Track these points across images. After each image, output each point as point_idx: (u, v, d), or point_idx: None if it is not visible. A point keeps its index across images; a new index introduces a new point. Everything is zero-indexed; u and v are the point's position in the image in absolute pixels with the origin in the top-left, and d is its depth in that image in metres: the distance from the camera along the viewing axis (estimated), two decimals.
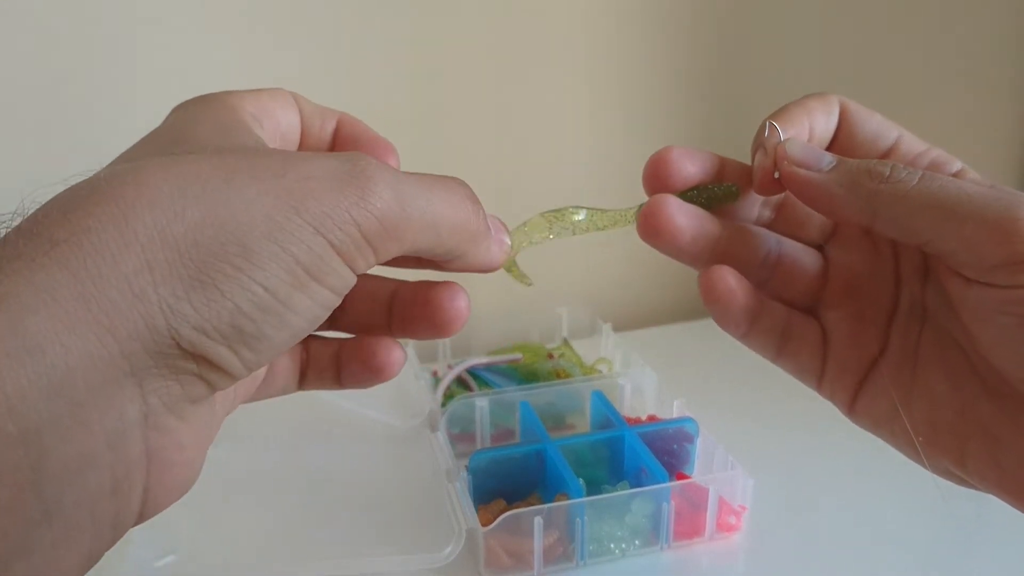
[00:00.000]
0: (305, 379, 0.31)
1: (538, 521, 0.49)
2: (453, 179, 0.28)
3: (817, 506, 0.57)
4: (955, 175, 0.29)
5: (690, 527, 0.53)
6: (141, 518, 0.24)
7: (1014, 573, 0.51)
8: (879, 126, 0.31)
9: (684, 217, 0.30)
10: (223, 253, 0.22)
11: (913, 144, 0.31)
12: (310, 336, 0.30)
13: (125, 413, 0.22)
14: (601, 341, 0.74)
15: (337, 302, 0.25)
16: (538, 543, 0.49)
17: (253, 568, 0.52)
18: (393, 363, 0.30)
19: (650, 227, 0.30)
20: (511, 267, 0.32)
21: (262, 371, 0.30)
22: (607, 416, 0.59)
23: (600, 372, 0.70)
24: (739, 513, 0.54)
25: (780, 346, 0.31)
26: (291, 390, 0.31)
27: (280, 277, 0.23)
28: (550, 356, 0.72)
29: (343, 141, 0.32)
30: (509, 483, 0.54)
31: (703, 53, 0.81)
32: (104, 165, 0.25)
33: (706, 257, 0.31)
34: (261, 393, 0.31)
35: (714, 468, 0.56)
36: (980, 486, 0.28)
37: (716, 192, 0.31)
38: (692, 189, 0.31)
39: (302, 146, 0.31)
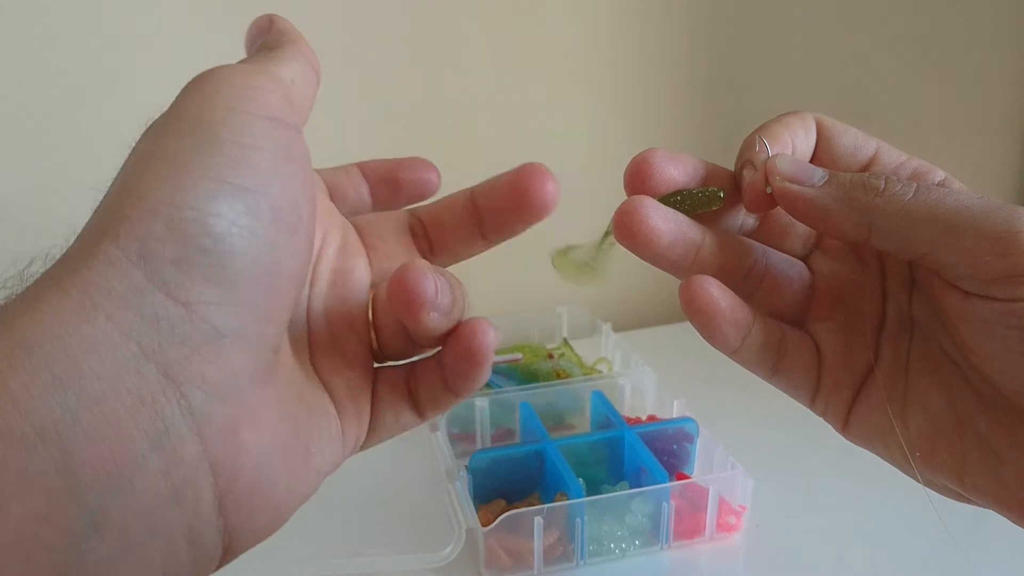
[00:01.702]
0: (418, 401, 0.30)
1: (538, 521, 0.49)
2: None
3: (817, 506, 0.57)
4: (939, 185, 0.29)
5: (690, 527, 0.53)
6: (231, 537, 0.23)
7: (1014, 573, 0.51)
8: (856, 139, 0.31)
9: (661, 220, 0.28)
10: (167, 184, 0.22)
11: (892, 155, 0.30)
12: (409, 368, 0.30)
13: (161, 408, 0.21)
14: (601, 341, 0.74)
15: (298, 170, 0.25)
16: (538, 543, 0.49)
17: (252, 567, 0.51)
18: (488, 339, 0.28)
19: (624, 228, 0.28)
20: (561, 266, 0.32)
21: (365, 409, 0.29)
22: (607, 416, 0.59)
23: (600, 372, 0.70)
24: (739, 513, 0.54)
25: (776, 363, 0.30)
26: (411, 423, 0.30)
27: (233, 155, 0.23)
28: (550, 356, 0.72)
29: (380, 180, 0.34)
30: (509, 483, 0.54)
31: (702, 55, 0.81)
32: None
33: (686, 265, 0.29)
34: (376, 431, 0.30)
35: (714, 468, 0.56)
36: (979, 502, 0.28)
37: (699, 196, 0.30)
38: (674, 194, 0.30)
39: (335, 197, 0.33)
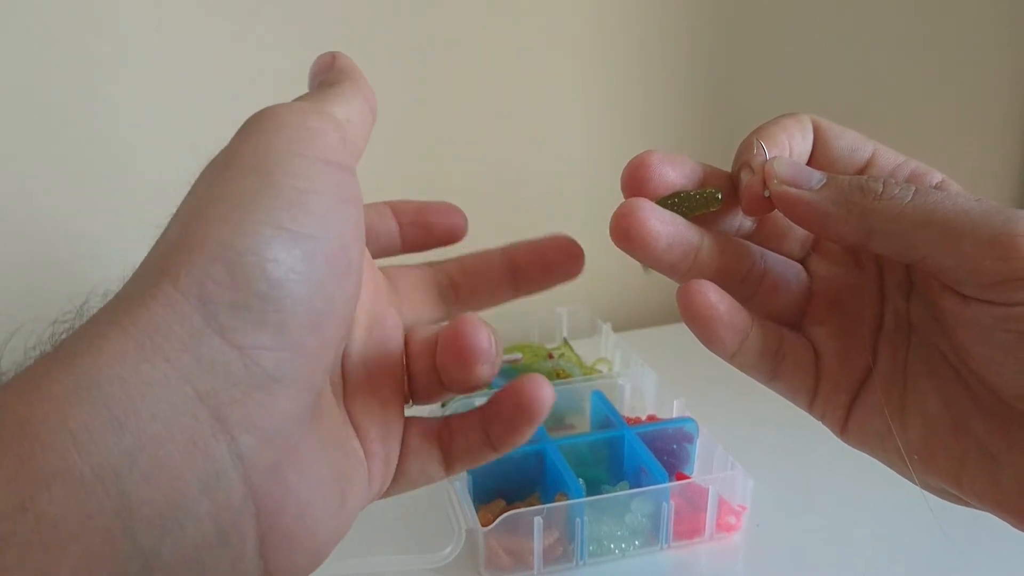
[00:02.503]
0: (451, 454, 0.30)
1: (538, 521, 0.49)
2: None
3: (817, 506, 0.57)
4: (937, 187, 0.29)
5: (690, 527, 0.53)
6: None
7: (1014, 572, 0.51)
8: (853, 141, 0.30)
9: (658, 222, 0.28)
10: (226, 225, 0.23)
11: (890, 157, 0.30)
12: (443, 421, 0.30)
13: (211, 452, 0.21)
14: (601, 341, 0.74)
15: (354, 211, 0.26)
16: (538, 543, 0.49)
17: None
18: (544, 394, 0.28)
19: (621, 231, 0.28)
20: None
21: (394, 455, 0.29)
22: (607, 416, 0.59)
23: (600, 372, 0.70)
24: (739, 513, 0.54)
25: (775, 367, 0.30)
26: (436, 475, 0.30)
27: (291, 200, 0.23)
28: (550, 356, 0.72)
29: (410, 222, 0.34)
30: (509, 483, 0.54)
31: (702, 54, 0.81)
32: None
33: (685, 268, 0.29)
34: (400, 479, 0.30)
35: (714, 468, 0.56)
36: (978, 505, 0.28)
37: (696, 198, 0.29)
38: (671, 196, 0.29)
39: (368, 236, 0.33)
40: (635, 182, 0.29)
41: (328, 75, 0.29)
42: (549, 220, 0.82)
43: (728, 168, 0.31)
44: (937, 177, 0.30)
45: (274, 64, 0.70)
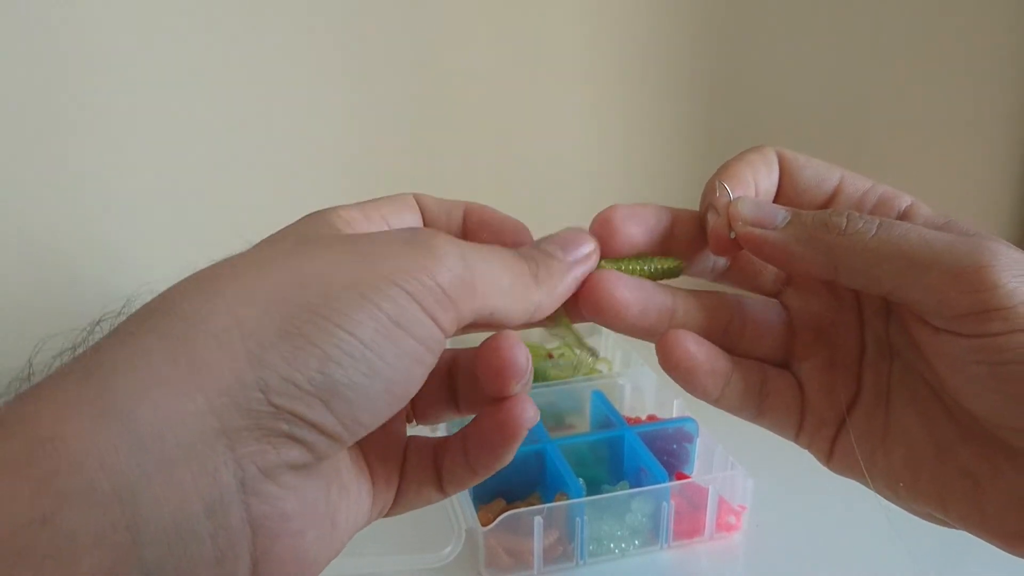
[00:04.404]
0: (441, 476, 0.30)
1: (538, 521, 0.49)
2: (502, 248, 0.28)
3: (817, 506, 0.57)
4: (905, 211, 0.29)
5: (690, 527, 0.53)
6: None
7: (1014, 572, 0.51)
8: (819, 169, 0.30)
9: (627, 290, 0.28)
10: (307, 304, 0.22)
11: (857, 183, 0.30)
12: (439, 441, 0.30)
13: (220, 477, 0.21)
14: (601, 341, 0.74)
15: (428, 358, 0.25)
16: (538, 543, 0.50)
17: None
18: (527, 415, 0.27)
19: (592, 304, 0.28)
20: (562, 324, 0.32)
21: (395, 476, 0.29)
22: (607, 416, 0.59)
23: (600, 372, 0.70)
24: (739, 513, 0.54)
25: (759, 405, 0.30)
26: (433, 497, 0.30)
27: (365, 323, 0.23)
28: (550, 356, 0.72)
29: (473, 229, 0.32)
30: (509, 483, 0.54)
31: (705, 55, 0.81)
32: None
33: (663, 331, 0.29)
34: (400, 500, 0.30)
35: (714, 468, 0.56)
36: (963, 528, 0.28)
37: (658, 267, 0.30)
38: (637, 260, 0.30)
39: (434, 227, 0.32)
40: (602, 239, 0.29)
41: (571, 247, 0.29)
42: (549, 219, 0.82)
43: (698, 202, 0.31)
44: (906, 201, 0.29)
45: (276, 66, 0.70)
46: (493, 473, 0.29)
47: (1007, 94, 0.92)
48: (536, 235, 0.33)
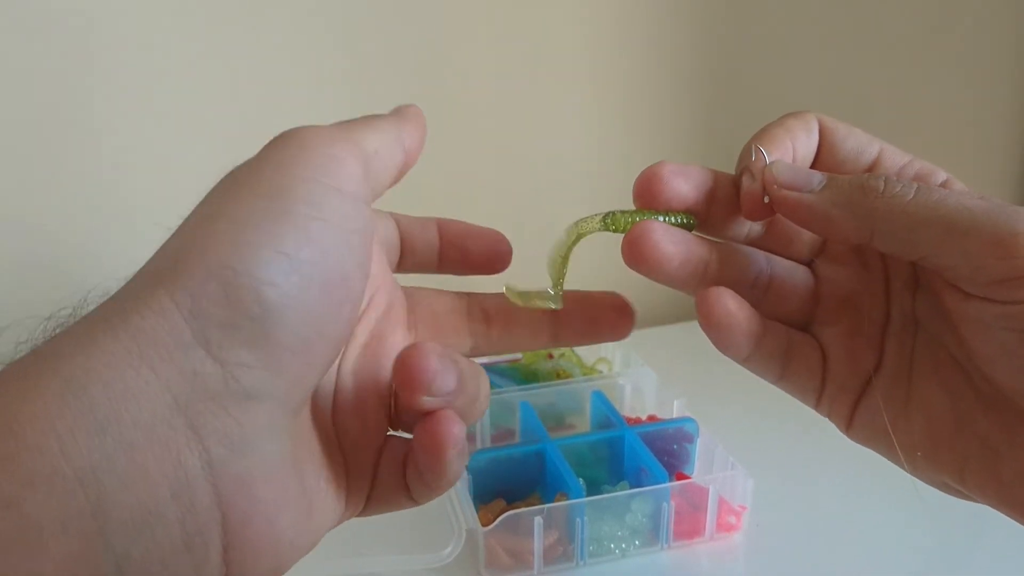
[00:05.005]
0: (408, 482, 0.29)
1: (538, 521, 0.49)
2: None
3: (817, 506, 0.57)
4: (941, 186, 0.29)
5: (690, 527, 0.53)
6: None
7: (1014, 571, 0.51)
8: (859, 140, 0.30)
9: (671, 243, 0.29)
10: (226, 242, 0.23)
11: (896, 156, 0.30)
12: (409, 446, 0.29)
13: (184, 459, 0.22)
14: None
15: (355, 223, 0.25)
16: (538, 543, 0.49)
17: None
18: (451, 431, 0.27)
19: (636, 254, 0.29)
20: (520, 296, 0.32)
21: (368, 472, 0.29)
22: (607, 416, 0.59)
23: (600, 372, 0.70)
24: (739, 513, 0.54)
25: (783, 367, 0.30)
26: (403, 503, 0.30)
27: (285, 234, 0.24)
28: (550, 356, 0.72)
29: (452, 243, 0.34)
30: (509, 483, 0.54)
31: (706, 53, 0.81)
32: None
33: (695, 282, 0.30)
34: (372, 501, 0.29)
35: (714, 468, 0.56)
36: (980, 499, 0.28)
37: (672, 220, 0.30)
38: (652, 212, 0.30)
39: (404, 247, 0.34)
40: (648, 194, 0.30)
41: (388, 115, 0.30)
42: (549, 219, 0.82)
43: (734, 164, 0.31)
44: (942, 176, 0.30)
45: (276, 65, 0.70)
46: (445, 485, 0.28)
47: (1007, 94, 0.92)
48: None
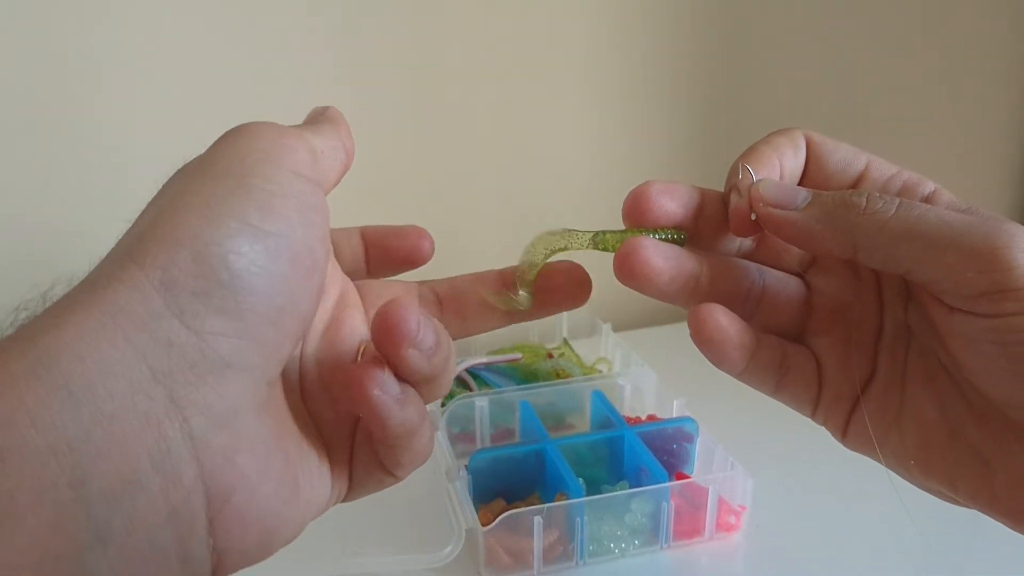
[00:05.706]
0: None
1: (538, 521, 0.49)
2: None
3: (817, 506, 0.57)
4: (929, 196, 0.29)
5: (690, 527, 0.53)
6: (220, 556, 0.24)
7: (1014, 571, 0.51)
8: (846, 154, 0.31)
9: (661, 258, 0.29)
10: (194, 215, 0.24)
11: (883, 168, 0.31)
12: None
13: (164, 430, 0.22)
14: (601, 341, 0.74)
15: (313, 198, 0.27)
16: (538, 543, 0.50)
17: (252, 568, 0.52)
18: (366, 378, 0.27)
19: (627, 269, 0.29)
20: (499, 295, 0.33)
21: (345, 455, 0.29)
22: (607, 416, 0.59)
23: (600, 372, 0.70)
24: (739, 513, 0.54)
25: (779, 379, 0.31)
26: (386, 481, 0.30)
27: (248, 209, 0.24)
28: (550, 356, 0.72)
29: (374, 244, 0.35)
30: (509, 483, 0.54)
31: (705, 56, 0.81)
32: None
33: (686, 296, 0.30)
34: (355, 484, 0.30)
35: (714, 468, 0.56)
36: (972, 506, 0.28)
37: (663, 237, 0.30)
38: (646, 230, 0.30)
39: (339, 255, 0.34)
40: (636, 213, 0.30)
41: (315, 119, 0.31)
42: (549, 219, 0.82)
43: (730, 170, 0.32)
44: (930, 187, 0.30)
45: (276, 66, 0.70)
46: (405, 462, 0.29)
47: (1007, 94, 0.92)
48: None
